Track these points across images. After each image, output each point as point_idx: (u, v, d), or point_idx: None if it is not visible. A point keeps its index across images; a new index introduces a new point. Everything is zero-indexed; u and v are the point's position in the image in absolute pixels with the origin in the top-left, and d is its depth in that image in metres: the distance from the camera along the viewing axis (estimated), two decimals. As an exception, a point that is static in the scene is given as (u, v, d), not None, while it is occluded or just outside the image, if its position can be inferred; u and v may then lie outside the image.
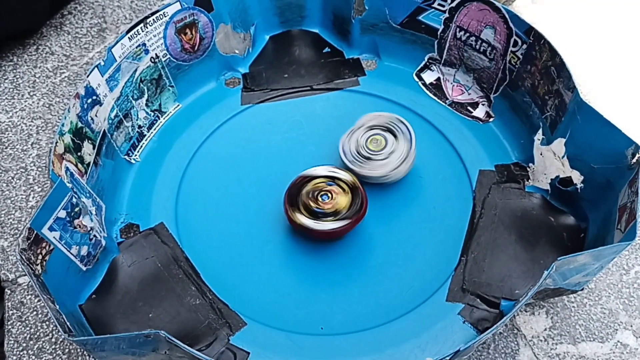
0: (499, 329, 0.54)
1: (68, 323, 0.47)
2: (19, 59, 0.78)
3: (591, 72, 0.75)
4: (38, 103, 0.74)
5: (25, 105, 0.74)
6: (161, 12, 0.64)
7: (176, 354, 0.45)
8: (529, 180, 0.63)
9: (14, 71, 0.77)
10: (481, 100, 0.69)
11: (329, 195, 0.58)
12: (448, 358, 0.45)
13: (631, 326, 0.57)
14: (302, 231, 0.58)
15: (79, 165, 0.57)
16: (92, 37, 0.81)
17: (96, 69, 0.59)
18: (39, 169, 0.68)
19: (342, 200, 0.58)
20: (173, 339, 0.42)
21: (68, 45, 0.80)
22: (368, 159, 0.61)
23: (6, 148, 0.70)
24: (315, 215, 0.57)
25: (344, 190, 0.58)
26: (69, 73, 0.77)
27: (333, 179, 0.59)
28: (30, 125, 0.72)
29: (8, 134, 0.71)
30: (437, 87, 0.72)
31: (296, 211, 0.58)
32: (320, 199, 0.58)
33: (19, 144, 0.70)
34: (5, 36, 0.77)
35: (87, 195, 0.56)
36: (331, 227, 0.57)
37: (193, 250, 0.60)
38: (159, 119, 0.69)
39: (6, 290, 0.59)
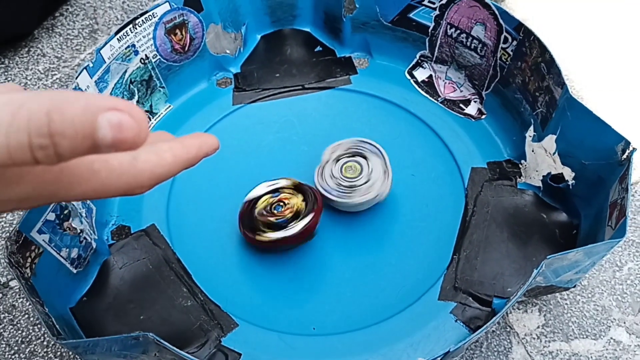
0: (490, 328, 0.54)
1: (57, 326, 0.47)
2: (10, 61, 0.78)
3: (583, 68, 0.75)
4: (29, 105, 0.73)
5: (16, 108, 0.73)
6: (150, 13, 0.63)
7: (166, 356, 0.45)
8: (521, 177, 0.63)
9: (6, 73, 0.77)
10: (473, 97, 0.69)
11: (282, 204, 0.57)
12: (439, 359, 0.45)
13: (624, 323, 0.57)
14: (276, 245, 0.57)
15: (69, 167, 0.57)
16: (83, 39, 0.80)
17: (85, 70, 0.58)
18: (31, 172, 0.68)
19: (295, 201, 0.57)
20: (161, 340, 0.42)
21: (59, 46, 0.79)
22: (352, 187, 0.59)
23: (-2, 151, 0.70)
24: (280, 227, 0.56)
25: (291, 193, 0.58)
26: (60, 75, 0.77)
27: (276, 191, 0.58)
28: (21, 127, 0.71)
29: None
30: (429, 85, 0.71)
31: (260, 233, 0.56)
32: (275, 211, 0.57)
33: (10, 146, 0.70)
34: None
35: (77, 197, 0.56)
36: (301, 227, 0.56)
37: (184, 252, 0.60)
38: (150, 120, 0.69)
39: (-2, 293, 0.59)
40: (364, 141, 0.61)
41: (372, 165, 0.59)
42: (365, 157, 0.60)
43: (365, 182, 0.59)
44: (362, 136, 0.62)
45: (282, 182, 0.59)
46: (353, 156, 0.61)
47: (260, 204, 0.58)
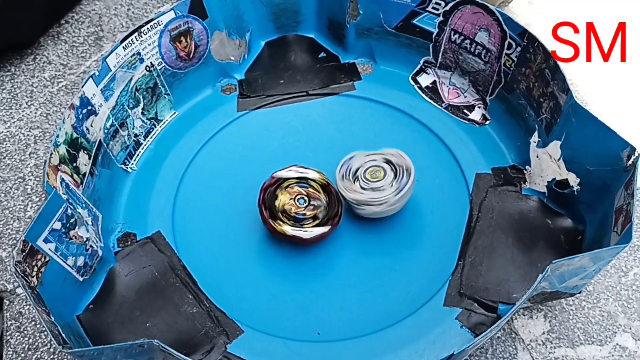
0: (494, 333, 0.54)
1: (63, 334, 0.47)
2: (17, 69, 0.79)
3: (587, 73, 0.75)
4: (36, 113, 0.74)
5: (23, 115, 0.74)
6: (155, 21, 0.64)
7: (172, 363, 0.45)
8: (526, 183, 0.63)
9: (12, 81, 0.77)
10: (477, 103, 0.69)
11: (306, 199, 0.58)
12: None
13: (630, 329, 0.56)
14: (285, 238, 0.58)
15: (75, 175, 0.57)
16: (89, 46, 0.81)
17: (91, 79, 0.59)
18: (37, 179, 0.68)
19: (319, 203, 0.58)
20: (167, 347, 0.42)
21: (65, 54, 0.80)
22: (366, 188, 0.59)
23: (4, 158, 0.70)
24: (297, 222, 0.57)
25: (318, 191, 0.58)
26: (66, 82, 0.77)
27: (305, 181, 0.59)
28: (28, 135, 0.72)
29: (6, 144, 0.71)
30: (433, 91, 0.71)
31: (279, 222, 0.58)
32: (298, 203, 0.58)
33: (16, 154, 0.70)
34: (1, 48, 0.78)
35: (83, 205, 0.56)
36: (316, 235, 0.57)
37: (190, 259, 0.60)
38: (155, 127, 0.69)
39: (5, 300, 0.59)
40: (402, 155, 0.60)
41: (395, 178, 0.59)
42: (393, 168, 0.60)
43: (379, 188, 0.58)
44: (365, 141, 0.62)
45: (313, 174, 0.59)
46: (384, 162, 0.60)
47: (286, 187, 0.58)
